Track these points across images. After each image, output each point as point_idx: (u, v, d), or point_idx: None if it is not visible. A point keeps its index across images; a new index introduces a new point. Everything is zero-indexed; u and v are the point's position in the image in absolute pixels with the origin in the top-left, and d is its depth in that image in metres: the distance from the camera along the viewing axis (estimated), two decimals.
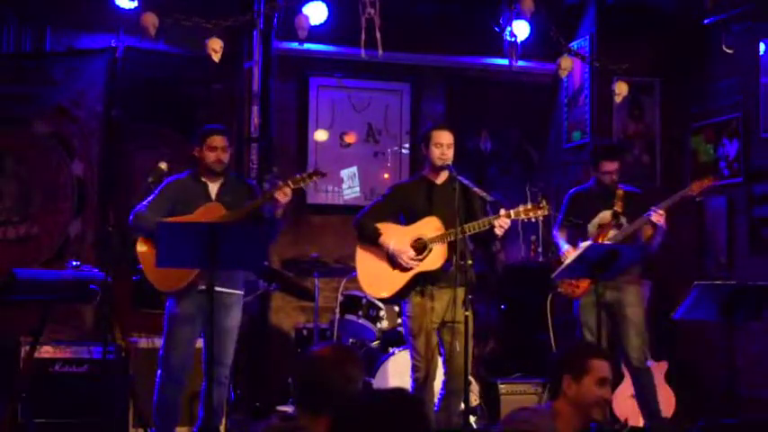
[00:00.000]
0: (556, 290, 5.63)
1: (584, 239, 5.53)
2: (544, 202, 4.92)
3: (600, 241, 5.45)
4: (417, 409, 2.31)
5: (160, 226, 4.45)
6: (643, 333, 5.57)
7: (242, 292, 5.07)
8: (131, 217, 5.03)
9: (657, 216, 5.32)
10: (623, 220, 5.52)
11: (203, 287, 4.74)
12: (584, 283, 5.43)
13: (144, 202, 5.02)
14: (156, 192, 5.03)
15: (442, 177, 5.09)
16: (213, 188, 5.06)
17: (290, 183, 4.88)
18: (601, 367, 3.34)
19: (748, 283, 4.84)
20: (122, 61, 6.57)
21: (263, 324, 6.94)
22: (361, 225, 5.14)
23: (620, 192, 5.55)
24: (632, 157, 7.15)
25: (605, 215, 5.56)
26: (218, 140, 5.05)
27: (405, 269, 5.00)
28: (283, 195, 4.83)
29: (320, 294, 6.22)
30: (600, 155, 5.67)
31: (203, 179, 5.06)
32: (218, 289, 4.75)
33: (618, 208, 5.52)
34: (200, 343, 4.97)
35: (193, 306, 4.86)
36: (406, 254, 4.97)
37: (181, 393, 4.94)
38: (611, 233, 5.50)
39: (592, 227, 5.58)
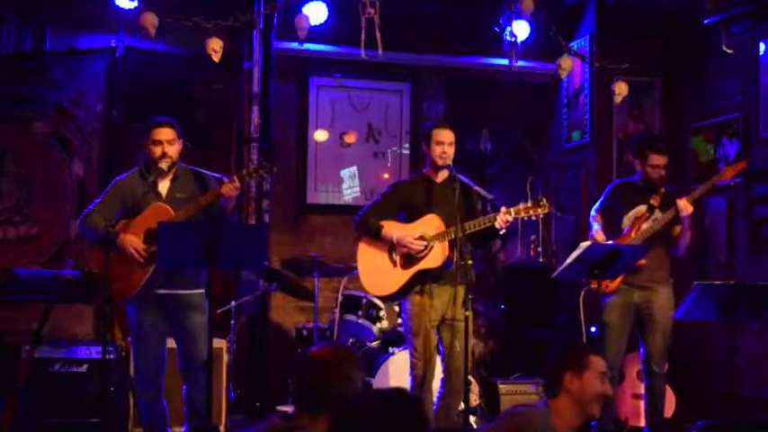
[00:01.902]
0: (588, 285, 5.57)
1: (619, 231, 5.50)
2: (544, 201, 4.91)
3: (633, 234, 5.41)
4: (416, 410, 2.31)
5: (160, 227, 4.40)
6: (668, 338, 5.48)
7: (203, 291, 4.77)
8: (79, 221, 4.87)
9: (683, 203, 5.25)
10: (658, 214, 5.47)
11: (161, 291, 4.71)
12: (617, 279, 5.38)
13: (91, 205, 4.85)
14: (104, 193, 4.86)
15: (443, 176, 5.09)
16: (163, 185, 4.80)
17: (235, 178, 4.71)
18: (599, 363, 3.40)
19: (748, 283, 4.83)
20: (122, 61, 6.58)
21: (263, 324, 6.95)
22: (361, 223, 5.14)
23: (662, 190, 5.51)
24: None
25: (641, 208, 5.50)
26: (162, 133, 4.74)
27: (406, 266, 5.01)
28: (228, 191, 4.67)
29: (320, 294, 6.22)
30: (648, 147, 5.55)
31: (152, 176, 4.74)
32: (180, 292, 4.75)
33: (654, 202, 5.47)
34: (171, 343, 4.87)
35: (155, 310, 4.76)
36: (410, 236, 4.95)
37: (159, 396, 4.84)
38: (645, 226, 5.43)
39: (627, 219, 5.53)
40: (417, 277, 4.99)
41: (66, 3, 6.61)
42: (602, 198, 5.76)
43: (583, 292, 5.72)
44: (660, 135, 6.97)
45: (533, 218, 4.99)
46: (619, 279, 5.37)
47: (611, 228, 5.59)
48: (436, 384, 5.11)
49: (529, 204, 4.91)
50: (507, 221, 4.87)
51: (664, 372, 5.55)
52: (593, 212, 5.74)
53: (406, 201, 5.13)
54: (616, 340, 5.38)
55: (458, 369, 4.93)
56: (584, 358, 3.39)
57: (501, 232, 4.93)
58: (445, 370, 5.03)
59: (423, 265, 4.98)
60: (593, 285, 5.43)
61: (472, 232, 4.89)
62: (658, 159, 5.50)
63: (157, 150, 4.75)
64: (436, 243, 4.95)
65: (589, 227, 5.72)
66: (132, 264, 4.66)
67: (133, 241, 4.64)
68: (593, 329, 5.50)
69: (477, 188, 4.93)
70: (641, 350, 5.57)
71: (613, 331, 5.37)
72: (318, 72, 7.38)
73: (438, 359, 5.14)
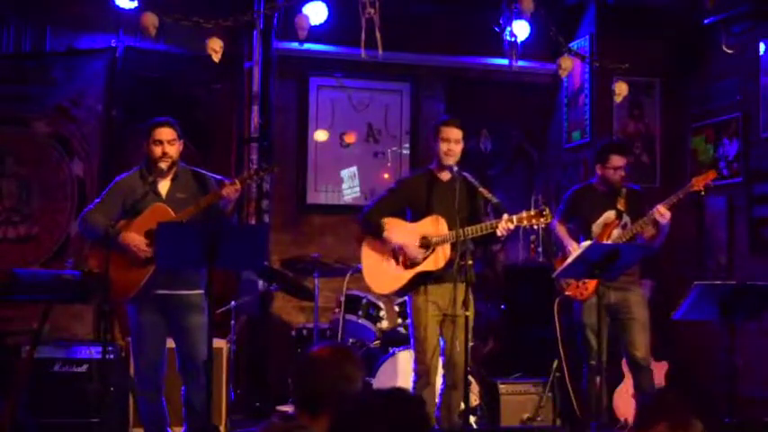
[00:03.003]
0: (562, 293, 5.61)
1: (587, 238, 5.52)
2: (547, 210, 4.92)
3: (605, 241, 5.44)
4: (417, 409, 2.31)
5: (160, 226, 4.39)
6: (648, 333, 5.56)
7: (202, 291, 4.77)
8: (79, 220, 4.87)
9: (660, 215, 5.31)
10: (626, 218, 5.51)
11: (161, 291, 4.70)
12: (592, 286, 5.41)
13: (91, 205, 4.84)
14: (104, 193, 4.86)
15: (448, 174, 5.11)
16: (163, 186, 4.80)
17: (236, 180, 4.72)
18: (699, 428, 3.31)
19: (748, 283, 4.84)
20: (122, 61, 6.57)
21: (263, 324, 6.95)
22: (366, 220, 5.16)
23: (622, 190, 5.54)
24: (632, 156, 7.15)
25: (610, 215, 5.54)
26: (163, 133, 4.74)
27: (408, 266, 5.02)
28: (229, 193, 4.66)
29: (320, 294, 6.22)
30: (610, 149, 5.62)
31: (152, 176, 4.74)
32: (180, 292, 4.75)
33: (620, 206, 5.50)
34: (171, 343, 4.86)
35: (154, 310, 4.75)
36: (412, 245, 4.99)
37: (159, 396, 4.84)
38: (615, 233, 5.48)
39: (596, 227, 5.57)
40: (419, 277, 5.02)
41: (66, 3, 6.61)
42: (560, 207, 5.81)
43: (557, 300, 5.76)
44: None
45: (535, 227, 5.01)
46: (593, 285, 5.39)
47: (577, 235, 5.62)
48: (439, 380, 5.12)
49: (532, 213, 4.91)
50: (509, 229, 4.88)
51: (650, 367, 5.58)
52: (553, 222, 5.70)
53: (411, 198, 5.15)
54: (596, 339, 5.42)
55: (456, 364, 4.96)
56: (689, 421, 3.29)
57: (501, 237, 4.95)
58: (444, 365, 5.05)
59: (424, 266, 5.00)
60: (569, 292, 5.50)
61: (474, 236, 4.91)
62: (618, 161, 5.56)
63: (157, 150, 4.75)
64: (438, 246, 4.97)
65: (554, 236, 5.73)
66: (132, 264, 4.66)
67: (135, 238, 4.64)
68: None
69: (482, 189, 4.94)
70: (625, 352, 5.60)
71: (592, 331, 5.40)
72: (318, 72, 7.38)
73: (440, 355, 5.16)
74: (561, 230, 5.72)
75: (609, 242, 5.40)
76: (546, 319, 7.10)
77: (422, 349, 5.00)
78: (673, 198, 5.37)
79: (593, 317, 5.33)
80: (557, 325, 5.96)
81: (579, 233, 5.66)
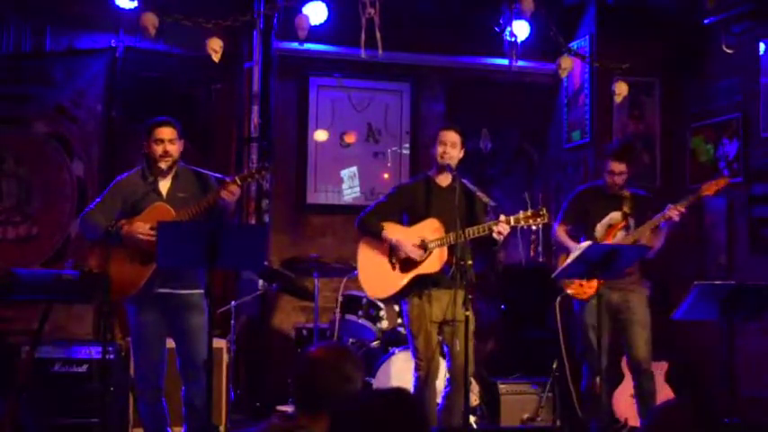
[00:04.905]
0: (563, 292, 5.60)
1: (589, 239, 5.51)
2: (544, 210, 4.93)
3: (609, 241, 5.43)
4: (416, 409, 2.31)
5: (160, 226, 4.38)
6: (649, 335, 5.54)
7: (202, 291, 4.77)
8: (79, 220, 4.88)
9: (676, 214, 5.28)
10: (631, 222, 5.50)
11: (161, 290, 4.70)
12: (593, 285, 5.41)
13: (91, 204, 4.85)
14: (105, 192, 4.86)
15: (446, 180, 5.12)
16: (164, 185, 4.80)
17: (237, 180, 4.71)
18: None
19: (748, 283, 4.84)
20: (122, 61, 6.58)
21: (263, 324, 6.95)
22: (363, 222, 5.17)
23: (626, 194, 5.54)
24: (633, 162, 7.12)
25: (616, 216, 5.53)
26: (164, 132, 4.75)
27: (404, 270, 5.02)
28: (229, 193, 4.67)
29: (320, 294, 6.22)
30: (607, 154, 5.65)
31: (153, 176, 4.77)
32: (179, 291, 4.74)
33: (627, 209, 5.50)
34: (171, 343, 4.85)
35: (154, 309, 4.74)
36: (409, 244, 5.00)
37: (159, 396, 4.83)
38: (620, 235, 5.48)
39: (600, 227, 5.55)
40: (415, 281, 5.02)
41: (66, 3, 6.61)
42: (563, 208, 5.79)
43: (558, 298, 5.75)
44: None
45: (533, 227, 5.02)
46: (595, 285, 5.39)
47: (579, 237, 5.61)
48: (441, 384, 5.12)
49: (528, 213, 4.92)
50: (505, 230, 4.88)
51: (651, 369, 5.57)
52: (555, 225, 5.71)
53: (408, 203, 5.17)
54: (600, 339, 5.42)
55: (457, 364, 4.96)
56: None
57: (499, 240, 4.93)
58: (449, 369, 5.05)
59: (421, 269, 5.00)
60: (570, 291, 5.48)
61: (472, 238, 4.91)
62: (616, 166, 5.56)
63: (159, 149, 4.75)
64: (435, 248, 4.97)
65: (556, 242, 5.72)
66: (133, 263, 4.65)
67: (140, 226, 4.63)
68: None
69: (479, 194, 4.95)
70: (626, 353, 5.60)
71: (592, 331, 5.40)
72: (318, 72, 7.38)
73: (441, 359, 5.15)
74: (562, 235, 5.69)
75: (613, 242, 5.40)
76: (546, 319, 7.11)
77: (421, 354, 5.01)
78: (686, 202, 5.38)
79: (593, 317, 5.33)
80: (558, 324, 5.95)
81: (581, 234, 5.65)
